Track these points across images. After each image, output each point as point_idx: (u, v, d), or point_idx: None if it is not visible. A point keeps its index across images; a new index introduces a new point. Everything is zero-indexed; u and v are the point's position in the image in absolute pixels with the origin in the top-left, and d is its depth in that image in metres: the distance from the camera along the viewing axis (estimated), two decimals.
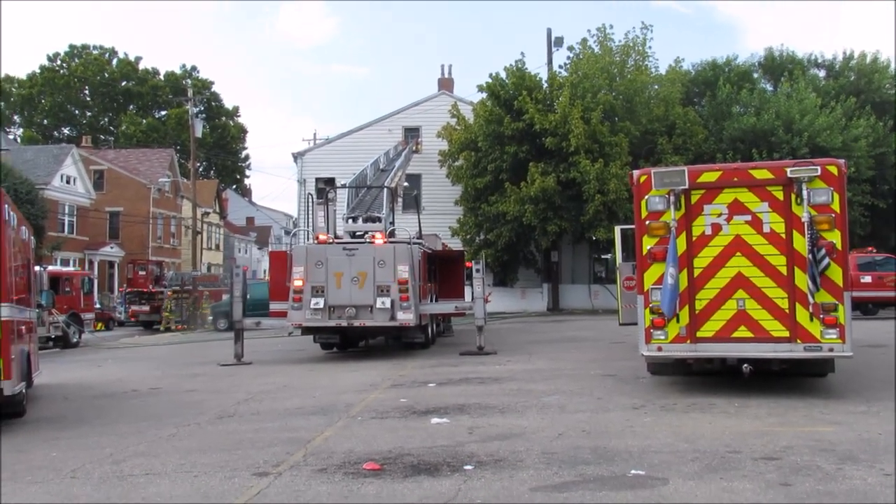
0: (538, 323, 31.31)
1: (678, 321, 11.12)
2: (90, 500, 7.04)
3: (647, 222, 11.35)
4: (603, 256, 40.22)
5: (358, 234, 20.16)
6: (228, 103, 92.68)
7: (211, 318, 35.95)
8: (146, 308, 39.13)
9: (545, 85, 36.66)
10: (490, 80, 36.17)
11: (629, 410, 10.36)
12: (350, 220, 20.71)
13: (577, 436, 8.88)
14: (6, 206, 11.02)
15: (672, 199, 11.15)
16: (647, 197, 11.36)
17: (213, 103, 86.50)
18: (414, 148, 37.57)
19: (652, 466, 7.36)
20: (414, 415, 10.64)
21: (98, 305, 38.35)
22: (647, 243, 11.35)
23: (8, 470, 8.37)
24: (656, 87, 37.52)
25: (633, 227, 12.43)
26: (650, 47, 37.54)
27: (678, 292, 10.98)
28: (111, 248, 57.32)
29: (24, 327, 12.46)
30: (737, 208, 11.10)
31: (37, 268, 16.82)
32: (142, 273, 42.75)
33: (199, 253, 54.22)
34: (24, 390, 11.86)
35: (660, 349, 11.29)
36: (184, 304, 38.34)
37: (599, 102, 34.12)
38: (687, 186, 11.12)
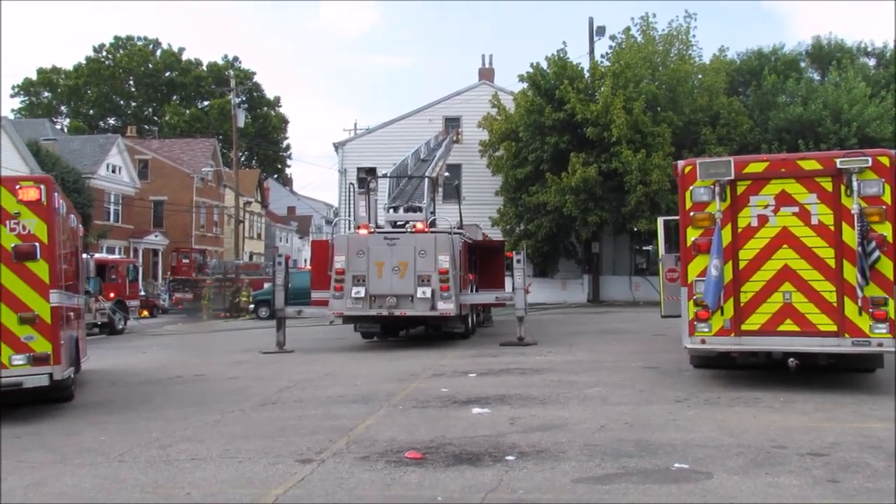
0: (579, 314, 31.14)
1: (722, 314, 10.99)
2: (138, 483, 7.17)
3: (692, 213, 11.22)
4: (644, 248, 39.86)
5: (399, 223, 20.25)
6: (270, 93, 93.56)
7: (252, 306, 36.40)
8: (190, 295, 39.68)
9: (587, 74, 36.33)
10: (531, 70, 35.95)
11: (672, 403, 10.27)
12: (391, 210, 20.80)
13: (620, 428, 8.83)
14: (56, 194, 11.23)
15: (717, 189, 11.00)
16: (691, 188, 11.23)
17: (254, 94, 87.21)
18: (454, 138, 37.53)
19: (696, 460, 7.30)
20: (455, 404, 10.66)
21: (143, 293, 38.96)
22: (692, 235, 11.23)
23: (58, 452, 8.57)
24: (700, 76, 36.97)
25: (676, 218, 12.30)
26: (694, 36, 37.15)
27: (722, 284, 10.85)
28: (155, 236, 58.18)
29: (72, 313, 12.70)
30: (784, 199, 10.92)
31: (84, 255, 17.13)
32: (185, 261, 43.51)
33: (242, 242, 54.79)
34: (72, 375, 12.09)
35: (703, 342, 11.17)
36: (226, 293, 38.80)
37: (642, 92, 33.75)
38: (733, 177, 10.97)
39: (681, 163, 11.69)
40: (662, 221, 15.17)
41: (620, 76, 34.28)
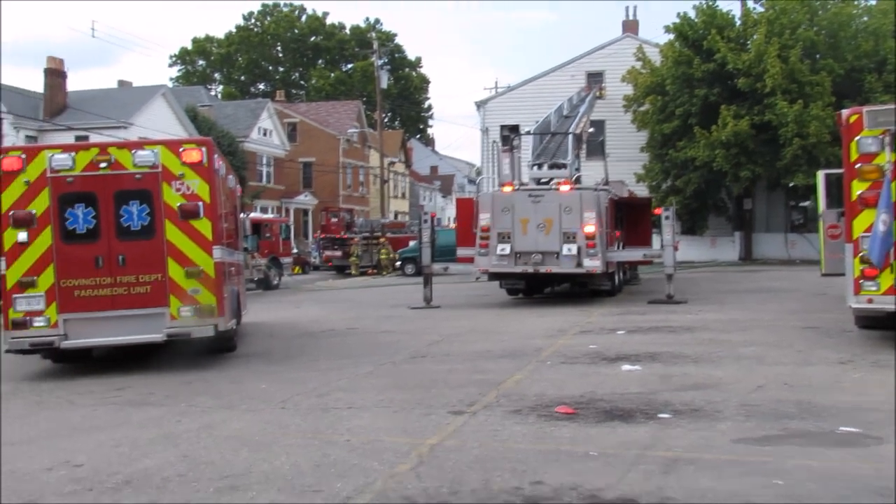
0: (730, 273, 30.14)
1: (892, 272, 10.33)
2: (299, 429, 7.50)
3: (858, 166, 10.56)
4: (801, 204, 37.97)
5: (543, 180, 20.08)
6: (411, 54, 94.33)
7: (399, 262, 37.22)
8: (339, 253, 40.81)
9: (738, 23, 34.68)
10: (678, 21, 34.61)
11: (835, 365, 9.78)
12: (535, 167, 20.64)
13: (779, 388, 8.48)
14: (216, 155, 11.76)
15: (887, 139, 10.27)
16: (857, 138, 10.55)
17: (396, 55, 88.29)
18: (598, 93, 36.73)
19: (865, 424, 6.89)
20: (604, 361, 10.56)
21: (295, 250, 40.45)
22: (858, 188, 10.58)
23: (224, 398, 9.09)
24: (865, 19, 34.50)
25: (838, 171, 11.63)
26: None
27: (892, 241, 10.17)
28: (305, 196, 60.24)
29: (233, 269, 13.35)
30: None
31: (241, 215, 17.94)
32: (334, 220, 44.75)
33: (387, 201, 55.93)
34: (234, 327, 12.75)
35: (870, 301, 10.55)
36: (373, 250, 39.75)
37: (799, 39, 31.88)
38: None
39: (845, 112, 11.01)
40: (823, 175, 14.46)
41: (775, 23, 32.49)
